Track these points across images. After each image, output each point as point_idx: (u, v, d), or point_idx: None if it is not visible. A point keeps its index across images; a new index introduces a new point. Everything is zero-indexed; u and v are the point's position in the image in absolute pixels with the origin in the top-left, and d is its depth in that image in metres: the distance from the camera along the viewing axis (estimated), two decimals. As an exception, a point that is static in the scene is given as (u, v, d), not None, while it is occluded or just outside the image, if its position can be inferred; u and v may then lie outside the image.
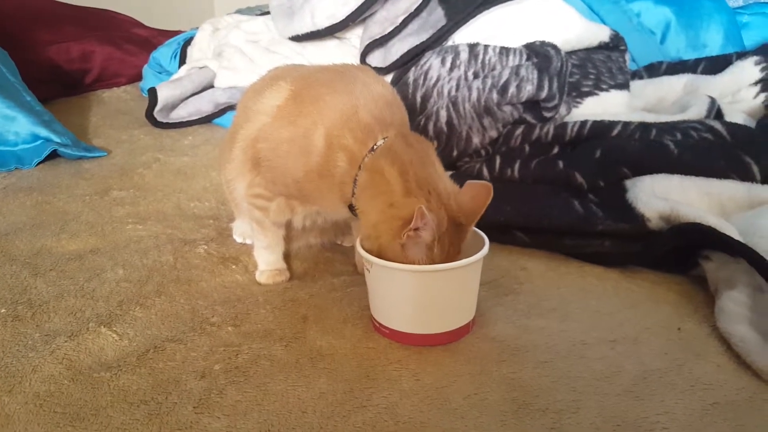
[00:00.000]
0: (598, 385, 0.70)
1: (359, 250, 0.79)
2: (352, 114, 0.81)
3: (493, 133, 1.28)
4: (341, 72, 0.90)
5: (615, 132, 1.19)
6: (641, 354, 0.75)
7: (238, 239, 1.08)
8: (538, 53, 1.34)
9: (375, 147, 0.79)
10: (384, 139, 0.80)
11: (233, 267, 0.99)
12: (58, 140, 1.54)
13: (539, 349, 0.77)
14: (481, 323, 0.82)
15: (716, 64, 1.58)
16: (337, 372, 0.73)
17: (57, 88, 2.19)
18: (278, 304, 0.88)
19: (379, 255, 0.76)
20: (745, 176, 1.04)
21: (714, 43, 1.76)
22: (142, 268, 0.98)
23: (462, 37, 1.55)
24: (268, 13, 2.02)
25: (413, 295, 0.76)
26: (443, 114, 1.28)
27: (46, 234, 1.11)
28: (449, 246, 0.74)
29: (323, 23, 1.73)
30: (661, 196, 0.99)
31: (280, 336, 0.80)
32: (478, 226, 0.79)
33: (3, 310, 0.86)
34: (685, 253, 0.92)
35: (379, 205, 0.76)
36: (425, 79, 1.36)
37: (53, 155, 1.55)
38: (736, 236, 0.88)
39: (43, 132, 1.54)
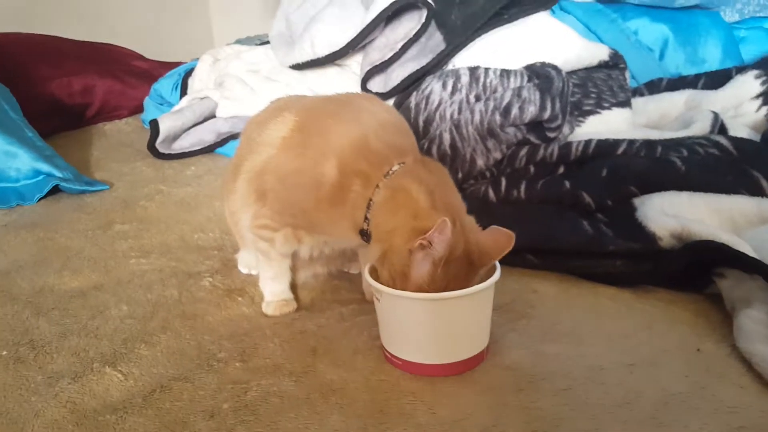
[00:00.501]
0: (619, 411, 0.68)
1: (368, 279, 0.77)
2: (363, 143, 0.81)
3: (498, 155, 1.28)
4: (346, 102, 0.90)
5: (620, 150, 1.18)
6: (661, 377, 0.73)
7: (244, 270, 1.06)
8: (539, 74, 1.34)
9: (390, 172, 0.78)
10: (400, 164, 0.79)
11: (239, 299, 0.97)
12: (59, 175, 1.53)
13: (556, 377, 0.74)
14: (496, 350, 0.80)
15: (716, 79, 1.58)
16: (350, 407, 0.70)
17: (59, 122, 2.20)
18: (286, 336, 0.86)
19: (383, 259, 0.75)
20: (755, 191, 1.03)
21: (713, 59, 1.76)
22: (146, 304, 0.97)
23: (462, 60, 1.55)
24: (267, 42, 2.04)
25: (425, 323, 0.74)
26: (446, 137, 1.28)
27: (48, 271, 1.10)
28: (453, 277, 0.72)
29: (323, 51, 1.74)
30: (671, 213, 0.97)
31: (289, 370, 0.78)
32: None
33: (4, 353, 0.84)
34: (698, 271, 0.90)
35: (401, 216, 0.75)
36: (427, 103, 1.36)
37: (55, 190, 1.54)
38: (750, 253, 0.86)
39: (45, 167, 1.53)
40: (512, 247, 0.75)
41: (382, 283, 0.75)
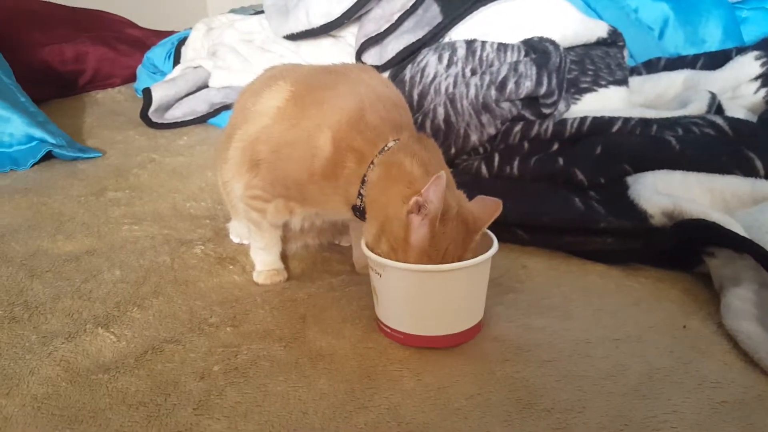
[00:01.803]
0: (604, 384, 0.69)
1: (369, 253, 0.76)
2: (360, 117, 0.80)
3: (492, 131, 1.27)
4: (344, 73, 0.88)
5: (615, 128, 1.18)
6: (646, 352, 0.74)
7: (235, 239, 1.06)
8: (537, 49, 1.33)
9: (385, 148, 0.78)
10: (395, 141, 0.79)
11: (230, 267, 0.98)
12: (53, 141, 1.52)
13: (542, 349, 0.75)
14: (483, 323, 0.81)
15: (716, 60, 1.57)
16: (338, 372, 0.71)
17: (51, 89, 2.18)
18: (277, 304, 0.87)
19: (381, 234, 0.74)
20: (749, 171, 1.03)
21: (713, 39, 1.75)
22: (138, 269, 0.97)
23: (458, 33, 1.54)
24: (262, 12, 2.01)
25: (430, 295, 0.74)
26: (441, 111, 1.27)
27: (41, 235, 1.10)
28: (452, 240, 0.72)
29: (318, 21, 1.72)
30: (664, 192, 0.98)
31: (279, 336, 0.79)
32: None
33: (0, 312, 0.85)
34: (688, 250, 0.91)
35: (396, 188, 0.74)
36: (422, 76, 1.35)
37: (48, 156, 1.53)
38: (740, 232, 0.87)
39: (38, 133, 1.52)
40: (500, 212, 0.76)
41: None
